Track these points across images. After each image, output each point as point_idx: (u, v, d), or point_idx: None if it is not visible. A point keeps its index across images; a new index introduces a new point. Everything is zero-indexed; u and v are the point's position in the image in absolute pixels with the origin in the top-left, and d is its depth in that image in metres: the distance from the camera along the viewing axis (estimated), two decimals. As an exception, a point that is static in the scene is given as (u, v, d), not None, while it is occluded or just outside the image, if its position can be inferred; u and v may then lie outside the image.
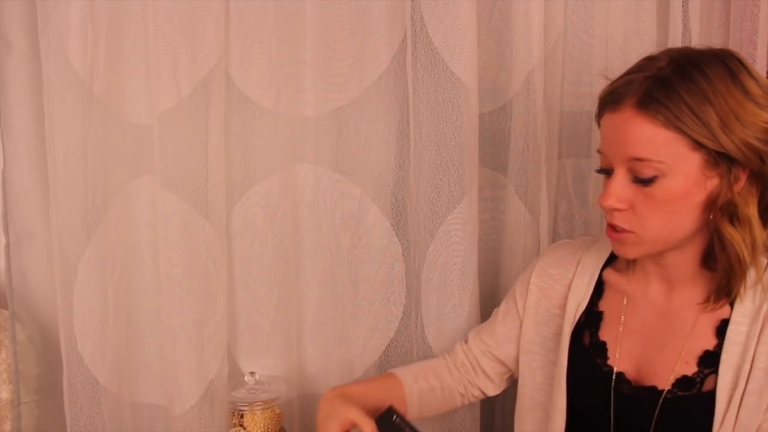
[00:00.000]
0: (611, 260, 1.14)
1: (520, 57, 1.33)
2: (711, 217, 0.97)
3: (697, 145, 0.93)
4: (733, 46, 1.34)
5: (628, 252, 1.01)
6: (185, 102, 1.24)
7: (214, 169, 1.27)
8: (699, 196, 0.96)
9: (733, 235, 0.95)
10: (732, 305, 1.01)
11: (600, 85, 1.05)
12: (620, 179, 0.98)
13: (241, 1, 1.26)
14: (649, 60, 0.98)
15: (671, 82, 0.93)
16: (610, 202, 0.98)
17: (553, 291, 1.15)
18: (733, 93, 0.92)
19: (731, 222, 0.96)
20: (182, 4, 1.22)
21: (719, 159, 0.93)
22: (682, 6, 1.35)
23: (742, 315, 1.00)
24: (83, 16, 1.22)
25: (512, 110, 1.36)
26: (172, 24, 1.21)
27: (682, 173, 0.94)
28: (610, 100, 0.98)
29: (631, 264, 1.10)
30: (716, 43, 1.37)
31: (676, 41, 1.33)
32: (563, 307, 1.13)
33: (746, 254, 0.96)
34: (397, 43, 1.31)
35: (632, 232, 0.98)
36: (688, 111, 0.91)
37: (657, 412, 1.01)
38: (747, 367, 0.97)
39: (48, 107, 1.24)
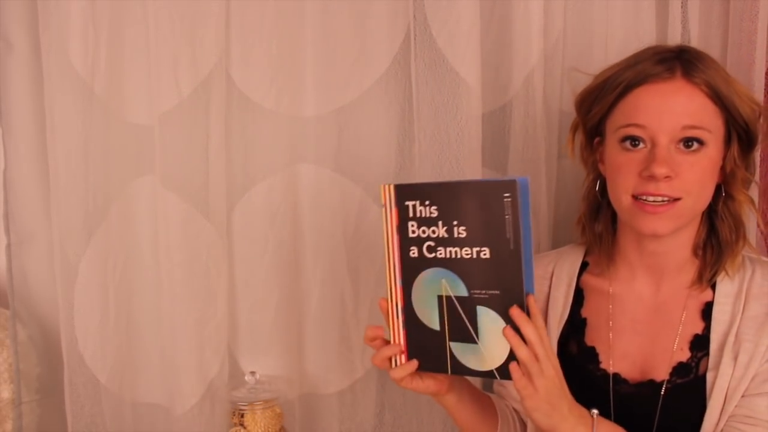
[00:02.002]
0: (585, 267, 1.15)
1: (519, 57, 1.33)
2: (722, 184, 1.04)
3: (726, 120, 1.01)
4: (732, 47, 1.34)
5: (665, 226, 1.00)
6: (186, 102, 1.24)
7: (214, 169, 1.27)
8: (717, 169, 1.03)
9: (744, 197, 1.04)
10: (714, 289, 1.05)
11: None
12: (667, 147, 0.99)
13: (242, 2, 1.26)
14: (656, 47, 1.07)
15: (702, 61, 1.01)
16: (665, 169, 0.98)
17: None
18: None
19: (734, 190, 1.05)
20: (183, 4, 1.22)
21: (732, 133, 1.02)
22: (682, 6, 1.35)
23: (724, 295, 1.04)
24: (84, 16, 1.22)
25: (512, 110, 1.36)
26: (172, 24, 1.21)
27: (715, 144, 1.01)
28: (648, 74, 1.01)
29: (611, 264, 1.11)
30: (715, 43, 1.37)
31: (675, 41, 1.33)
32: (546, 321, 1.13)
33: (744, 220, 1.05)
34: (398, 44, 1.31)
35: (679, 198, 0.99)
36: (724, 87, 1.00)
37: (660, 404, 1.02)
38: (732, 339, 1.00)
39: (49, 107, 1.24)
